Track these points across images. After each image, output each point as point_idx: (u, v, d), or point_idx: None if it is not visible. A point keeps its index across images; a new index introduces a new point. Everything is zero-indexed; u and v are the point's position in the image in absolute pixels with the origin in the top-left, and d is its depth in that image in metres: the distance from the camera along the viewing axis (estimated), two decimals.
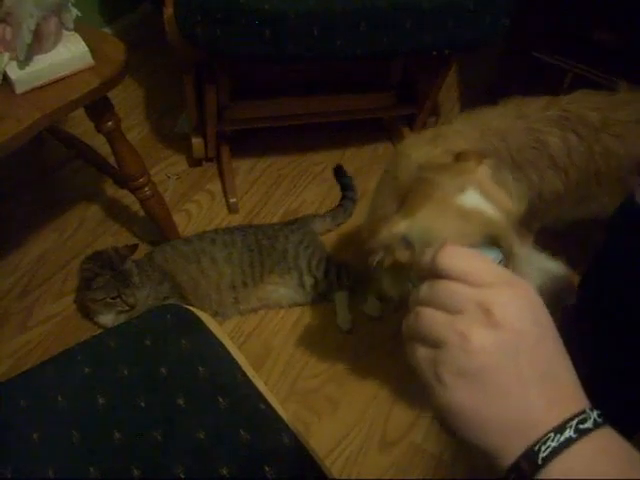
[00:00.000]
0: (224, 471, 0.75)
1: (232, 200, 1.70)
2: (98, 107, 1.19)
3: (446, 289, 0.42)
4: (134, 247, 1.41)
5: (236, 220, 1.70)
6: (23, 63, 1.07)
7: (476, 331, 0.40)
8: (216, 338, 0.89)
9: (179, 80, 1.74)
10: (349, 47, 1.24)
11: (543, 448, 0.38)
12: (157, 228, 1.52)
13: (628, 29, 1.45)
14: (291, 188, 1.78)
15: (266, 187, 1.78)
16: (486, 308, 0.40)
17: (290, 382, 1.41)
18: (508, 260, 0.53)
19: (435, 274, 0.43)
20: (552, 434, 0.38)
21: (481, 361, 0.39)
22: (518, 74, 1.71)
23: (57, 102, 1.07)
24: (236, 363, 0.86)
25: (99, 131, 1.25)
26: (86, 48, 1.11)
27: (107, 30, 2.05)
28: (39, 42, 1.07)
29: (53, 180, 1.76)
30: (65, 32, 1.12)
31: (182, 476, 0.75)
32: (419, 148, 1.11)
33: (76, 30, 1.14)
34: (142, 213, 1.55)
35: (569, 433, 0.38)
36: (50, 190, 1.74)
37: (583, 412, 0.39)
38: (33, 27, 1.01)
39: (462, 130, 1.14)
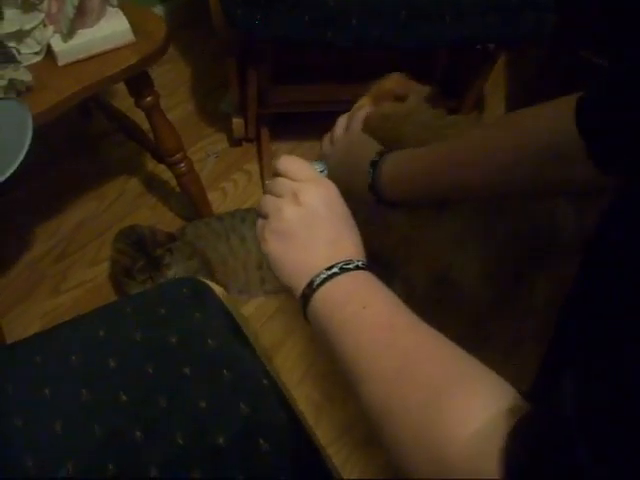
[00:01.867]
0: (220, 440, 0.78)
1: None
2: (137, 82, 1.23)
3: (278, 182, 0.64)
4: (172, 237, 1.43)
5: None
6: (66, 36, 1.11)
7: (287, 207, 0.60)
8: (230, 314, 0.92)
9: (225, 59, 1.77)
10: (387, 37, 1.25)
11: (317, 279, 0.57)
12: (192, 204, 1.56)
13: None
14: None
15: None
16: (295, 193, 0.61)
17: (307, 365, 1.44)
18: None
19: (275, 173, 0.65)
20: (324, 270, 0.57)
21: (287, 226, 0.60)
22: (564, 74, 1.69)
23: (96, 76, 1.11)
24: (246, 339, 0.89)
25: (138, 106, 1.29)
26: (127, 25, 1.14)
27: (160, 8, 2.09)
28: (82, 17, 1.11)
29: (97, 151, 1.81)
30: (109, 8, 1.16)
31: (180, 442, 0.78)
32: None
33: (121, 7, 1.18)
34: (179, 189, 1.59)
35: (335, 270, 0.57)
36: (93, 161, 1.79)
37: (350, 260, 0.58)
38: (77, 3, 1.05)
39: None
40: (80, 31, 1.13)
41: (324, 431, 1.30)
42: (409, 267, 1.39)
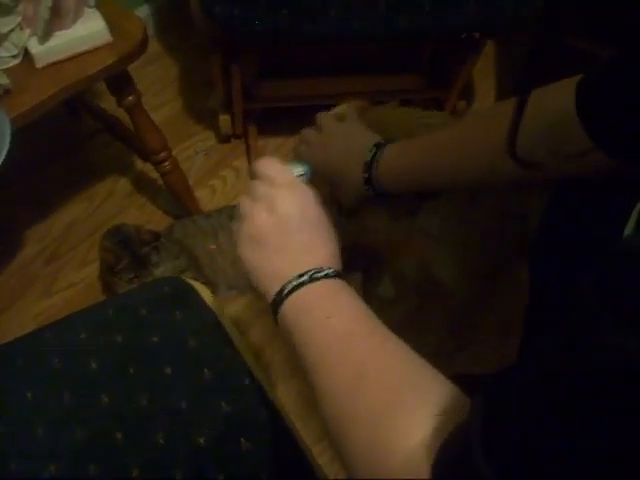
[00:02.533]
0: (201, 440, 0.78)
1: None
2: (118, 82, 1.23)
3: (255, 185, 0.64)
4: (157, 235, 1.43)
5: None
6: (43, 39, 1.10)
7: (261, 213, 0.61)
8: (212, 312, 0.92)
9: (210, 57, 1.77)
10: (367, 29, 1.24)
11: (287, 287, 0.58)
12: (178, 201, 1.55)
13: None
14: None
15: None
16: (270, 200, 0.61)
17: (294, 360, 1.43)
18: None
19: (253, 176, 0.66)
20: (295, 278, 0.58)
21: (260, 232, 0.61)
22: (552, 61, 1.68)
23: (74, 76, 1.10)
24: (228, 338, 0.89)
25: (120, 106, 1.29)
26: (104, 25, 1.14)
27: (145, 8, 2.08)
28: (59, 19, 1.10)
29: (86, 152, 1.81)
30: (86, 9, 1.15)
31: (161, 442, 0.78)
32: None
33: (99, 8, 1.17)
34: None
35: (304, 278, 0.57)
36: (82, 161, 1.79)
37: (320, 268, 0.58)
38: (50, 4, 1.04)
39: None
40: (57, 33, 1.12)
41: (313, 428, 1.30)
42: (398, 263, 1.40)
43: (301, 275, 0.58)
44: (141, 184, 1.75)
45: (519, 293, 1.44)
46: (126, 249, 1.38)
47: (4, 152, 1.02)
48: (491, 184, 0.90)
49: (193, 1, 1.36)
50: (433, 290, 1.52)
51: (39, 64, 1.12)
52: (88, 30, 1.13)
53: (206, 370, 0.84)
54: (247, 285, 1.51)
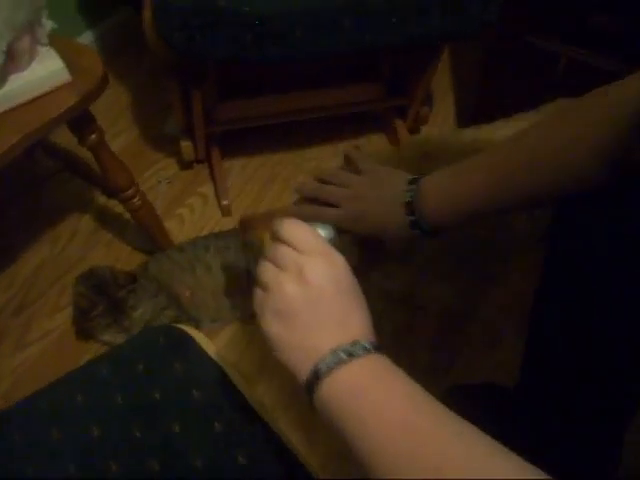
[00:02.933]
0: None
1: (224, 202, 1.68)
2: (79, 121, 1.17)
3: (280, 251, 0.58)
4: (134, 278, 1.37)
5: (230, 223, 1.67)
6: None
7: (290, 284, 0.55)
8: (211, 359, 0.87)
9: (164, 81, 1.71)
10: (333, 46, 1.21)
11: (322, 366, 0.52)
12: (149, 237, 1.50)
13: (625, 10, 1.41)
14: (285, 187, 1.76)
15: (259, 187, 1.76)
16: (300, 269, 0.55)
17: (291, 390, 1.39)
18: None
19: (276, 239, 0.59)
20: (329, 356, 0.52)
21: (289, 305, 0.55)
22: (511, 59, 1.68)
23: (36, 122, 1.04)
24: (233, 385, 0.85)
25: (82, 145, 1.23)
26: (62, 64, 1.08)
27: (89, 34, 2.01)
28: (13, 61, 1.04)
29: (43, 192, 1.73)
30: (40, 48, 1.10)
31: None
32: None
33: (51, 43, 1.11)
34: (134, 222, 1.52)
35: (342, 355, 0.52)
36: (41, 202, 1.71)
37: (357, 341, 0.53)
38: (5, 48, 0.98)
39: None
40: (12, 76, 1.06)
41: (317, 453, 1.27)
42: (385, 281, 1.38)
43: (336, 351, 0.53)
44: (106, 220, 1.68)
45: (505, 302, 1.44)
46: (101, 294, 1.32)
47: None
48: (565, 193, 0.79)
49: (147, 27, 1.31)
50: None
51: None
52: (46, 70, 1.07)
53: (217, 424, 0.80)
54: (230, 316, 1.46)
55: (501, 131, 1.04)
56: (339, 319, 0.55)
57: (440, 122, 1.97)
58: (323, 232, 0.65)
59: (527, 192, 0.76)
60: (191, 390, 0.83)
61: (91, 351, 1.45)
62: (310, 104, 1.71)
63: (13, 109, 1.06)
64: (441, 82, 2.05)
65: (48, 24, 1.10)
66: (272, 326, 0.56)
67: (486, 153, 0.80)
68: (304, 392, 0.55)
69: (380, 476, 0.48)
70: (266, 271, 0.58)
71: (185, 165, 1.78)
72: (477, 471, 0.44)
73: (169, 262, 1.45)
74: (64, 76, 1.09)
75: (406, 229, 0.82)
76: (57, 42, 1.12)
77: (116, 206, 1.67)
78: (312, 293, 0.55)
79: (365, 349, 0.53)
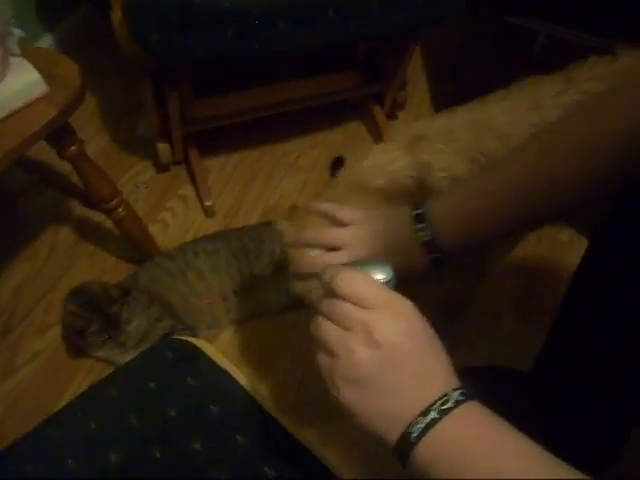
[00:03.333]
0: None
1: (207, 203, 1.64)
2: (58, 134, 1.12)
3: (340, 308, 0.52)
4: (126, 291, 1.33)
5: (214, 224, 1.64)
6: None
7: (359, 348, 0.50)
8: (222, 370, 0.85)
9: (132, 81, 1.66)
10: (317, 38, 1.18)
11: (414, 430, 0.48)
12: (135, 246, 1.45)
13: None
14: (266, 183, 1.72)
15: (240, 185, 1.72)
16: (368, 329, 0.50)
17: (295, 388, 1.37)
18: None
19: (331, 293, 0.53)
20: (420, 417, 0.48)
21: (363, 372, 0.50)
22: (487, 38, 1.66)
23: (14, 140, 0.99)
24: (248, 395, 0.82)
25: (62, 158, 1.18)
26: (38, 75, 1.03)
27: (49, 38, 1.94)
28: None
29: (16, 207, 1.66)
30: (12, 59, 1.04)
31: None
32: (386, 153, 0.96)
33: (23, 54, 1.06)
34: (116, 230, 1.47)
35: (433, 414, 0.48)
36: (15, 218, 1.65)
37: (445, 395, 0.49)
38: None
39: (452, 130, 0.96)
40: None
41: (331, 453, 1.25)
42: None
43: (426, 412, 0.48)
44: (85, 231, 1.62)
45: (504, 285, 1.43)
46: (94, 310, 1.27)
47: None
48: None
49: (118, 28, 1.25)
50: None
51: None
52: (21, 83, 1.02)
53: (239, 437, 0.77)
54: (226, 320, 1.43)
55: (495, 109, 1.00)
56: (421, 375, 0.50)
57: (416, 106, 1.94)
58: (381, 275, 0.56)
59: (551, 206, 0.72)
60: (208, 405, 0.80)
61: (85, 368, 1.40)
62: (286, 96, 1.67)
63: None
64: (414, 63, 2.02)
65: (16, 32, 1.04)
66: (347, 395, 0.51)
67: (498, 168, 0.75)
68: (395, 457, 0.50)
69: None
70: (329, 333, 0.52)
71: (162, 168, 1.74)
72: None
73: (159, 270, 1.41)
74: (41, 87, 1.04)
75: (429, 268, 0.76)
76: (29, 52, 1.07)
77: (95, 216, 1.62)
78: (386, 355, 0.50)
79: (457, 402, 0.49)
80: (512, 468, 0.45)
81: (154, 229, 1.61)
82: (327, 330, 0.52)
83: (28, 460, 0.78)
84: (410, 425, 0.48)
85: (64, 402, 1.31)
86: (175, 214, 1.67)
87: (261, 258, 1.44)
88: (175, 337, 0.91)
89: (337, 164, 1.68)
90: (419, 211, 0.75)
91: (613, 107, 0.67)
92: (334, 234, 0.80)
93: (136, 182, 1.73)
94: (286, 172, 1.74)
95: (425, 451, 0.47)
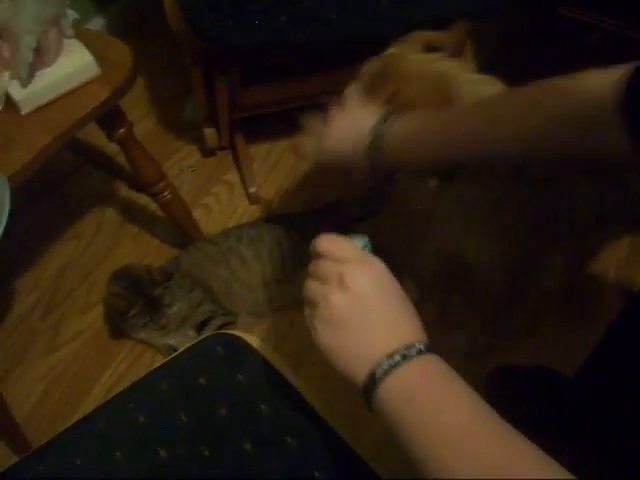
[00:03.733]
0: None
1: (252, 190, 1.62)
2: (109, 117, 1.11)
3: (319, 265, 0.59)
4: (169, 275, 1.32)
5: (257, 211, 1.62)
6: (25, 81, 0.98)
7: (334, 294, 0.56)
8: (273, 367, 0.83)
9: (181, 65, 1.65)
10: (369, 27, 1.15)
11: (379, 370, 0.53)
12: (179, 230, 1.45)
13: None
14: (311, 171, 1.70)
15: (285, 172, 1.70)
16: (341, 278, 0.56)
17: (335, 378, 1.35)
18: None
19: (316, 255, 0.60)
20: (385, 359, 0.53)
21: (337, 314, 0.56)
22: (539, 31, 1.61)
23: (67, 121, 0.99)
24: (299, 394, 0.80)
25: (111, 140, 1.18)
26: (91, 57, 1.02)
27: (100, 19, 1.94)
28: (40, 57, 0.98)
29: (63, 188, 1.67)
30: (66, 41, 1.04)
31: None
32: None
33: (77, 36, 1.05)
34: (161, 213, 1.47)
35: (397, 358, 0.53)
36: (62, 198, 1.66)
37: (411, 344, 0.54)
38: (34, 44, 0.92)
39: None
40: (39, 72, 1.00)
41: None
42: (416, 252, 1.33)
43: (391, 355, 0.54)
44: (131, 213, 1.63)
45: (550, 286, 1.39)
46: (137, 292, 1.27)
47: (5, 216, 0.91)
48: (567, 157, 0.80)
49: (170, 12, 1.24)
50: (457, 284, 1.45)
51: (25, 110, 1.00)
52: (74, 65, 1.02)
53: (289, 439, 0.75)
54: (267, 308, 1.42)
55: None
56: (389, 323, 0.57)
57: None
58: (359, 242, 0.65)
59: (475, 145, 0.78)
60: (258, 404, 0.78)
61: (125, 349, 1.41)
62: (336, 86, 1.64)
63: (41, 107, 1.01)
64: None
65: (71, 14, 1.04)
66: (324, 338, 0.57)
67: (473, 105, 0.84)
68: (362, 397, 0.56)
69: (435, 476, 0.49)
70: (310, 287, 0.60)
71: (208, 152, 1.73)
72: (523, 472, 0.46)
73: (202, 255, 1.40)
74: (93, 70, 1.03)
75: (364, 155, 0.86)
76: (82, 34, 1.07)
77: (140, 198, 1.62)
78: (356, 298, 0.56)
79: (419, 351, 0.54)
80: (453, 419, 0.51)
81: (197, 213, 1.60)
82: (310, 285, 0.60)
83: (77, 452, 0.77)
84: (376, 366, 0.54)
85: (103, 382, 1.35)
86: (219, 199, 1.66)
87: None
88: (225, 332, 0.89)
89: None
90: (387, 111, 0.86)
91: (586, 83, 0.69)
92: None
93: (182, 166, 1.72)
94: None
95: (385, 390, 0.53)
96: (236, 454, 0.74)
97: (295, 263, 1.40)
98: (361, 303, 0.56)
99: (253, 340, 0.86)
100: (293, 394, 0.80)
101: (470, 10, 1.23)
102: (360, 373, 0.55)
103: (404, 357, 0.53)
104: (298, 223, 1.46)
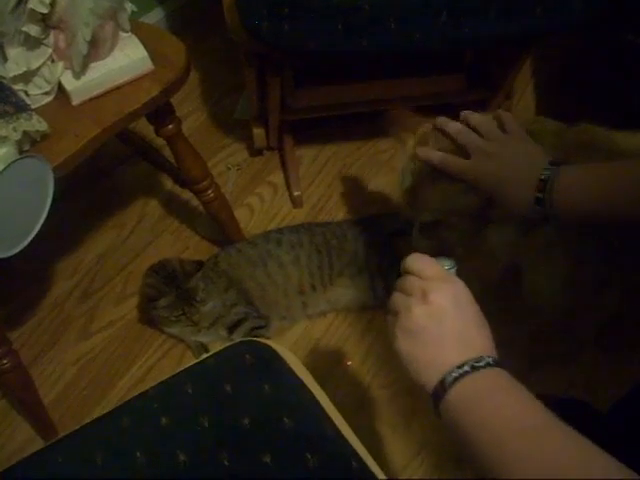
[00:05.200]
0: None
1: (296, 193, 1.62)
2: (159, 112, 1.11)
3: (407, 280, 0.65)
4: (200, 264, 1.32)
5: (300, 214, 1.61)
6: (78, 72, 0.99)
7: (415, 306, 0.62)
8: (300, 380, 0.82)
9: (234, 63, 1.64)
10: (428, 40, 1.12)
11: (449, 377, 0.57)
12: (220, 229, 1.45)
13: None
14: (357, 179, 1.68)
15: (331, 178, 1.68)
16: (425, 293, 0.61)
17: (362, 392, 1.34)
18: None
19: (405, 271, 0.66)
20: (455, 368, 0.58)
21: (416, 324, 0.61)
22: (602, 56, 1.56)
23: (116, 114, 0.99)
24: (323, 411, 0.79)
25: (158, 135, 1.18)
26: (145, 52, 1.02)
27: (159, 10, 1.96)
28: (95, 49, 0.99)
29: (109, 177, 1.69)
30: (122, 34, 1.04)
31: None
32: None
33: (133, 30, 1.06)
34: (203, 210, 1.47)
35: (466, 368, 0.57)
36: (109, 187, 1.67)
37: (480, 357, 0.58)
38: (89, 37, 0.93)
39: None
40: (93, 64, 1.01)
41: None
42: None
43: (462, 365, 0.58)
44: (172, 206, 1.63)
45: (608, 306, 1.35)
46: (171, 285, 1.27)
47: (46, 210, 0.92)
48: None
49: (229, 14, 1.23)
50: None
51: (76, 101, 1.01)
52: (128, 59, 1.02)
53: (309, 456, 0.74)
54: (301, 314, 1.41)
55: None
56: (463, 336, 0.60)
57: (518, 117, 1.85)
58: (445, 264, 0.69)
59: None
60: (282, 417, 0.77)
61: (156, 343, 1.42)
62: (388, 94, 1.62)
63: (92, 99, 1.02)
64: (522, 74, 1.93)
65: (129, 7, 1.04)
66: (402, 344, 0.62)
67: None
68: (431, 402, 0.59)
69: (506, 476, 0.51)
70: (396, 299, 0.65)
71: (255, 152, 1.72)
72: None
73: (240, 257, 1.40)
74: (147, 65, 1.04)
75: (528, 204, 0.86)
76: (138, 27, 1.07)
77: (183, 193, 1.62)
78: (435, 311, 0.61)
79: (488, 364, 0.58)
80: (527, 421, 0.54)
81: (240, 213, 1.59)
82: (395, 297, 0.65)
83: (98, 446, 0.77)
84: (447, 373, 0.58)
85: (131, 373, 1.36)
86: (263, 200, 1.66)
87: (343, 256, 1.41)
88: (255, 339, 0.88)
89: None
90: (559, 161, 0.85)
91: None
92: (472, 137, 0.91)
93: (228, 163, 1.72)
94: (378, 171, 1.69)
95: (453, 398, 0.57)
96: (255, 466, 0.74)
97: (332, 272, 1.39)
98: (439, 316, 0.61)
99: (282, 350, 0.86)
100: (317, 411, 0.79)
101: (536, 28, 1.20)
102: (431, 379, 0.59)
103: (473, 367, 0.57)
104: (339, 232, 1.45)
